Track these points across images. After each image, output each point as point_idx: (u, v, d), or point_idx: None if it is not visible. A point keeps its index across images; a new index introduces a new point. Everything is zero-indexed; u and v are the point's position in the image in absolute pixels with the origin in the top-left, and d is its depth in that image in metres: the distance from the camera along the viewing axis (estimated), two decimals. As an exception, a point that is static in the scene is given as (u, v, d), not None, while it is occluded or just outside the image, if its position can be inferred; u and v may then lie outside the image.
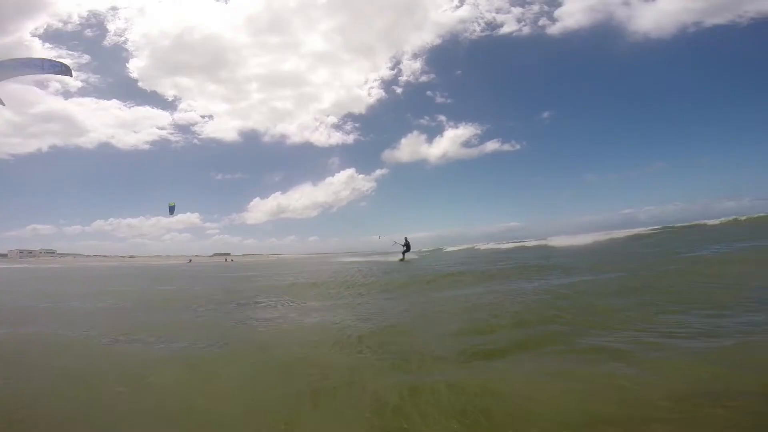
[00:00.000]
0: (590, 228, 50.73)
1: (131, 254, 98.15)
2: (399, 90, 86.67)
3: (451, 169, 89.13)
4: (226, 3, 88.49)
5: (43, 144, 78.33)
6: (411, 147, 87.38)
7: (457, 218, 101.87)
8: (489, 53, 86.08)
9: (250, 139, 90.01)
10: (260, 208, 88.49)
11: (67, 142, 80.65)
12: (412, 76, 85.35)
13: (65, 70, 10.14)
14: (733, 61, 71.12)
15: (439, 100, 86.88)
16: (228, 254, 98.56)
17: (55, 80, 77.52)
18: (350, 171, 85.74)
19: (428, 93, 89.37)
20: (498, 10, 77.55)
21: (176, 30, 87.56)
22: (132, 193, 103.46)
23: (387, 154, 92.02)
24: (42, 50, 72.72)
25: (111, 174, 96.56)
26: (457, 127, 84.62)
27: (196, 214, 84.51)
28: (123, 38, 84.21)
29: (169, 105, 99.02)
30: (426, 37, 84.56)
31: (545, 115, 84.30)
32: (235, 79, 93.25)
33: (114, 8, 77.98)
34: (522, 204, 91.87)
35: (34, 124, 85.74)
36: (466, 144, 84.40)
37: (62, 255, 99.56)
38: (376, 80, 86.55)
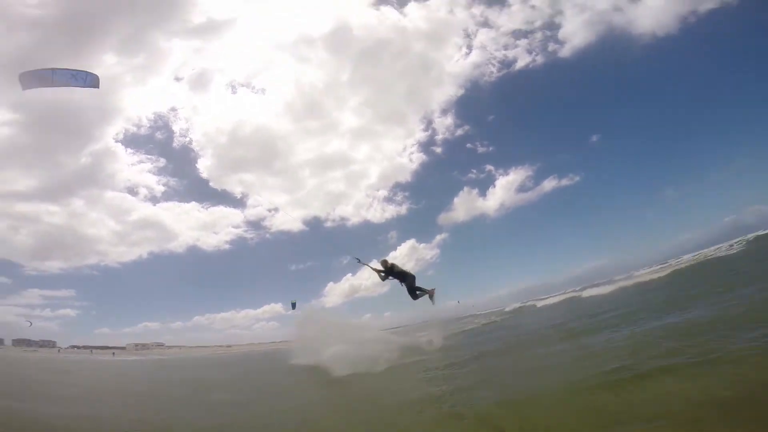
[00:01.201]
0: (688, 248, 43.29)
1: (228, 344, 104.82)
2: (438, 150, 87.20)
3: (513, 218, 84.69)
4: (264, 94, 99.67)
5: (143, 251, 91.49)
6: (465, 204, 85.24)
7: (536, 267, 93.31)
8: (513, 90, 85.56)
9: (314, 227, 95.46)
10: (335, 292, 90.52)
11: (162, 248, 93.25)
12: (447, 133, 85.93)
13: (95, 82, 9.51)
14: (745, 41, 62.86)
15: (480, 150, 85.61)
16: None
17: (143, 186, 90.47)
18: (411, 242, 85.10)
19: (468, 145, 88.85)
20: (505, 47, 78.52)
21: (229, 126, 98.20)
22: (221, 289, 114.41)
23: (443, 217, 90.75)
24: (126, 155, 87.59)
25: (201, 273, 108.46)
26: (507, 174, 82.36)
27: (279, 304, 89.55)
28: (188, 138, 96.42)
29: (239, 203, 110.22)
30: (448, 91, 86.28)
31: (594, 138, 79.11)
32: (289, 168, 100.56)
33: (173, 109, 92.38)
34: (603, 237, 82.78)
35: (133, 233, 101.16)
36: (522, 188, 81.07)
37: (170, 347, 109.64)
38: (413, 145, 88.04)
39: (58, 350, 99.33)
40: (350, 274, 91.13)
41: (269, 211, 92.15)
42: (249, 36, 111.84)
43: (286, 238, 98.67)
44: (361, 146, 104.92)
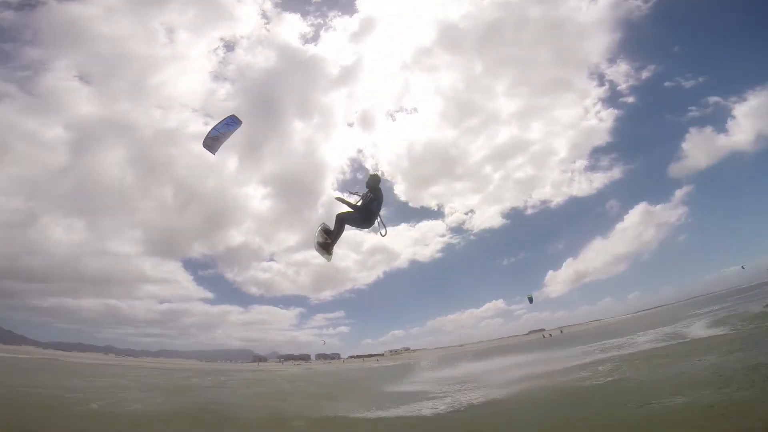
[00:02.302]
0: None
1: (460, 343, 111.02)
2: (629, 99, 68.98)
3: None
4: (417, 112, 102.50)
5: (379, 272, 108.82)
6: (701, 147, 64.77)
7: None
8: (685, 12, 57.97)
9: (515, 217, 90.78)
10: (557, 279, 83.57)
11: (391, 267, 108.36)
12: (630, 79, 68.01)
13: (238, 119, 10.58)
14: None
15: (686, 84, 62.25)
16: (543, 329, 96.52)
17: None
18: (640, 206, 69.42)
19: (666, 84, 65.89)
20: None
21: (403, 150, 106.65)
22: (444, 294, 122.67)
23: (676, 169, 70.04)
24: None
25: (425, 282, 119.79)
26: (744, 99, 59.29)
27: (501, 300, 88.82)
28: (380, 171, 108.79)
29: (437, 214, 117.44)
30: (600, 39, 67.54)
31: None
32: (470, 169, 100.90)
33: (359, 150, 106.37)
34: None
35: (369, 259, 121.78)
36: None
37: (414, 351, 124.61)
38: (595, 104, 71.84)
39: (342, 361, 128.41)
40: (571, 258, 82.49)
41: (465, 214, 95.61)
42: (376, 68, 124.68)
43: (489, 235, 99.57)
44: (532, 125, 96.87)
